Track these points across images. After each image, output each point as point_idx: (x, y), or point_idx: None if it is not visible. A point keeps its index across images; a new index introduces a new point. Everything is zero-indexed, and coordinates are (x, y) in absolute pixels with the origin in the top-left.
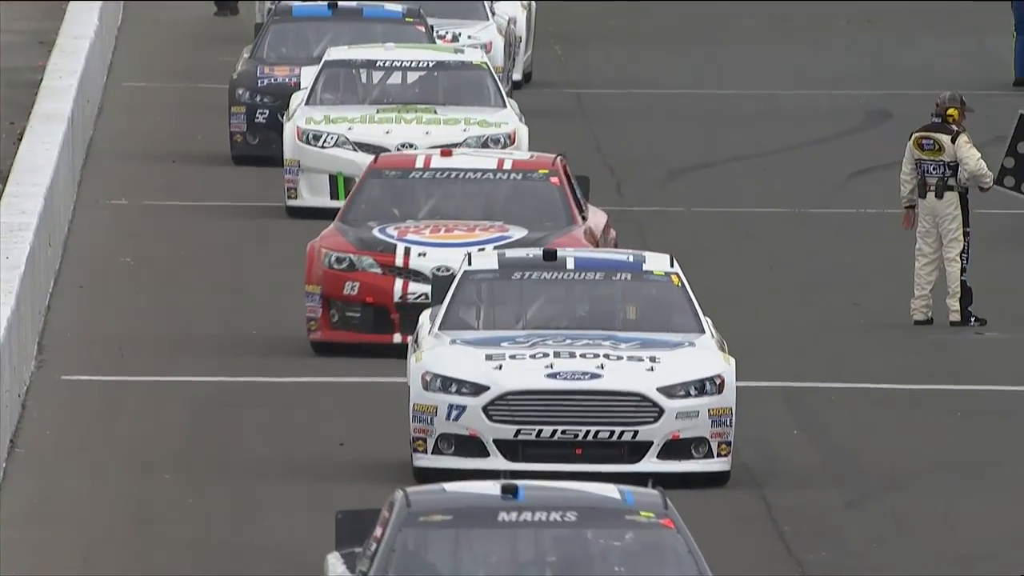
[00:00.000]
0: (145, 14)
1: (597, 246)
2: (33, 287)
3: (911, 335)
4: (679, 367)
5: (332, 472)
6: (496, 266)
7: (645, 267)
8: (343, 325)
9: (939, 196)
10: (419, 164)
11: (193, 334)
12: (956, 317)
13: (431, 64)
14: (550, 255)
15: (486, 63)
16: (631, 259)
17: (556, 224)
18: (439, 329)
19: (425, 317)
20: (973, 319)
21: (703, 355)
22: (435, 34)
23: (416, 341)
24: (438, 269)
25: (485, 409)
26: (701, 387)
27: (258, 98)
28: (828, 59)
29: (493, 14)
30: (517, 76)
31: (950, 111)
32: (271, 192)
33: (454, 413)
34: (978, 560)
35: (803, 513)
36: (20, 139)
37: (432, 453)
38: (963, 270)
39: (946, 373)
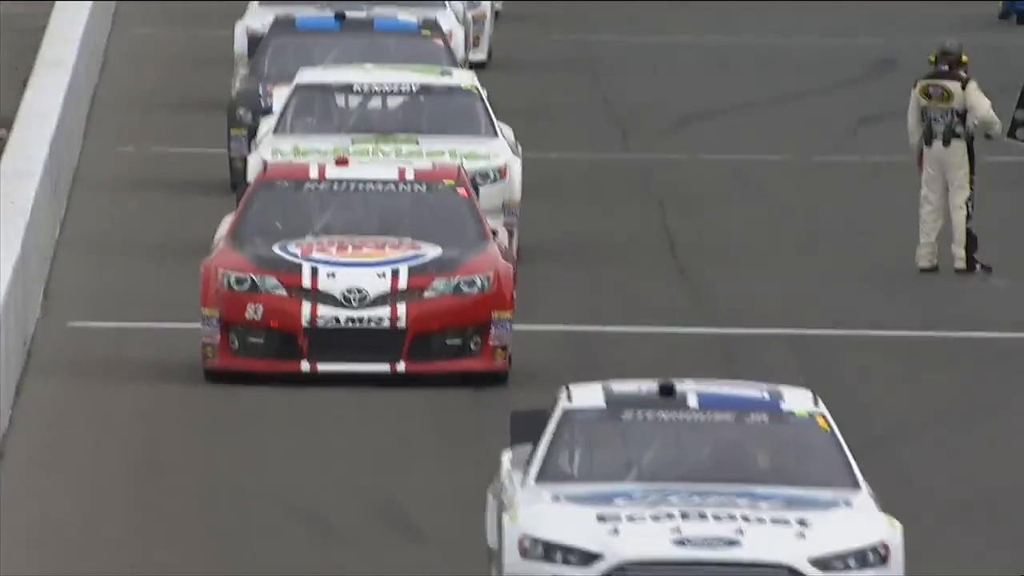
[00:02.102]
0: None
1: (507, 260)
2: (39, 234)
3: (917, 282)
4: (835, 533)
5: (338, 419)
6: (603, 404)
7: (784, 406)
8: (244, 352)
9: (946, 144)
10: (313, 174)
11: (199, 281)
12: (962, 264)
13: (415, 88)
14: (667, 390)
15: (477, 87)
16: (766, 396)
17: (467, 240)
18: (535, 481)
19: (507, 460)
20: (979, 266)
21: (862, 517)
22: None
23: (503, 494)
24: (349, 291)
25: None
26: (862, 558)
27: (261, 119)
28: (833, 7)
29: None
30: (482, 56)
31: (964, 58)
32: None
33: None
34: (981, 506)
35: None
36: (25, 85)
37: None
38: (968, 217)
39: (952, 320)
